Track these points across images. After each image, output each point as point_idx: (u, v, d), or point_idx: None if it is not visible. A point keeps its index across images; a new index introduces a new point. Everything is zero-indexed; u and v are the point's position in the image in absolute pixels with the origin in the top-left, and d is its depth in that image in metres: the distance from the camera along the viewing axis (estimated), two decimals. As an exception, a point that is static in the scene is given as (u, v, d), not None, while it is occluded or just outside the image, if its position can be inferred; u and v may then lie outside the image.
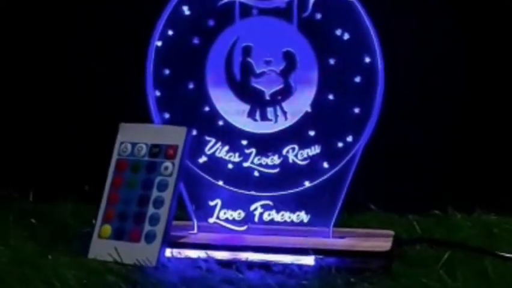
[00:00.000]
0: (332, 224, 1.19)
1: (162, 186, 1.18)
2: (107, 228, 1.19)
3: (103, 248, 1.17)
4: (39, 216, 1.38)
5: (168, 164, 1.19)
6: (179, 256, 1.16)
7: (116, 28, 1.45)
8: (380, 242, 1.17)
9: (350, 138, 1.18)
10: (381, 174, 1.44)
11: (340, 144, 1.18)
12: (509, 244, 1.21)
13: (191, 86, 1.22)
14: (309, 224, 1.20)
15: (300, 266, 1.12)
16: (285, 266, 1.12)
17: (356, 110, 1.17)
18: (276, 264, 1.12)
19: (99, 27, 1.46)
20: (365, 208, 1.41)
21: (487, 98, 1.40)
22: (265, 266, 1.13)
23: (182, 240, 1.19)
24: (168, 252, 1.17)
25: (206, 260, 1.13)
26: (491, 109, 1.40)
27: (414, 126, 1.40)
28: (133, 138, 1.22)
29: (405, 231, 1.29)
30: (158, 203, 1.17)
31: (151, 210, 1.17)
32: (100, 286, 1.04)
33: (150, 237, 1.16)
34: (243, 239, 1.19)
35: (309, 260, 1.14)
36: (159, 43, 1.22)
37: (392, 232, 1.23)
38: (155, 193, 1.18)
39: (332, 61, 1.17)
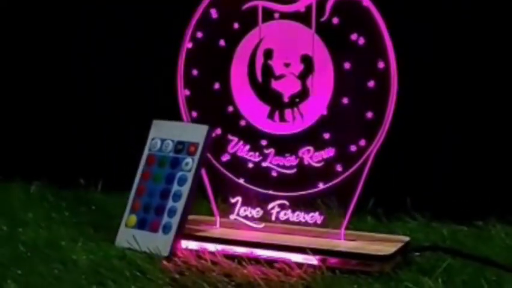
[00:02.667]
0: (344, 226, 1.24)
1: (182, 181, 1.28)
2: (133, 218, 1.30)
3: (126, 236, 1.29)
4: (94, 205, 1.51)
5: (189, 160, 1.28)
6: (194, 248, 1.24)
7: (150, 30, 1.56)
8: (387, 247, 1.21)
9: (363, 142, 1.23)
10: (429, 181, 1.47)
11: (353, 148, 1.23)
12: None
13: (217, 86, 1.30)
14: (322, 225, 1.26)
15: (300, 265, 1.17)
16: (287, 263, 1.17)
17: (369, 115, 1.22)
18: (278, 261, 1.18)
19: (137, 30, 1.58)
20: (407, 215, 1.44)
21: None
22: (268, 262, 1.19)
23: (198, 234, 1.27)
24: (184, 244, 1.26)
25: (213, 253, 1.21)
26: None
27: (429, 131, 1.42)
28: (163, 134, 1.33)
29: (431, 239, 1.31)
30: (177, 197, 1.27)
31: (170, 203, 1.28)
32: (105, 269, 1.14)
33: (167, 229, 1.26)
34: (255, 236, 1.26)
35: (312, 260, 1.19)
36: (189, 45, 1.31)
37: (406, 238, 1.26)
38: (175, 187, 1.28)
39: (347, 65, 1.22)
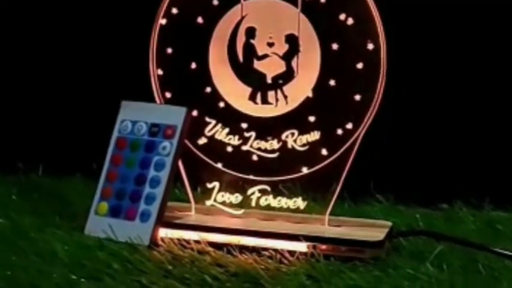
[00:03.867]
0: (328, 212, 1.23)
1: (159, 166, 1.23)
2: (104, 206, 1.25)
3: (98, 224, 1.23)
4: (44, 191, 1.44)
5: (166, 143, 1.24)
6: (172, 237, 1.20)
7: (120, 5, 1.49)
8: (374, 232, 1.20)
9: (349, 126, 1.21)
10: (392, 165, 1.48)
11: (340, 131, 1.22)
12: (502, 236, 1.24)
13: (193, 66, 1.26)
14: (305, 211, 1.24)
15: (291, 253, 1.15)
16: (276, 251, 1.15)
17: (357, 97, 1.20)
18: (267, 249, 1.16)
19: (102, 3, 1.51)
20: (372, 199, 1.44)
21: (496, 88, 1.42)
22: (256, 250, 1.16)
23: (177, 221, 1.23)
24: (162, 232, 1.21)
25: (198, 242, 1.17)
26: (499, 100, 1.42)
27: (416, 116, 1.42)
28: (134, 116, 1.27)
29: (406, 223, 1.32)
30: (155, 183, 1.23)
31: (147, 189, 1.23)
32: (91, 262, 1.09)
33: (145, 216, 1.21)
34: (237, 223, 1.23)
35: (301, 247, 1.17)
36: (163, 21, 1.26)
37: (389, 223, 1.26)
38: (152, 172, 1.23)
39: (334, 46, 1.20)
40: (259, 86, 1.25)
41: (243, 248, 1.18)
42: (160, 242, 1.20)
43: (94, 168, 1.51)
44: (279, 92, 1.25)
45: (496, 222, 1.38)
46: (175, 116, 1.25)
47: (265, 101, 1.25)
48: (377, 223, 1.27)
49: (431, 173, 1.49)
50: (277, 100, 1.25)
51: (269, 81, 1.25)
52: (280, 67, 1.24)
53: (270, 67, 1.24)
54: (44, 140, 1.62)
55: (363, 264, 1.13)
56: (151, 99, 1.30)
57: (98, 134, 1.34)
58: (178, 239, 1.21)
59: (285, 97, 1.25)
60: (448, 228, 1.33)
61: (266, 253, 1.17)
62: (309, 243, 1.18)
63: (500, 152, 1.46)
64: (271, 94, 1.25)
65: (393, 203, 1.46)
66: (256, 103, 1.26)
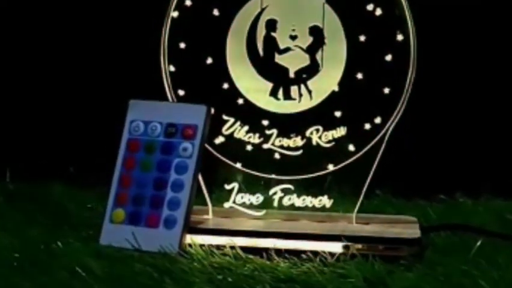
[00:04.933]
0: (356, 210, 1.20)
1: (181, 169, 1.17)
2: (120, 213, 1.18)
3: (116, 233, 1.17)
4: (31, 199, 1.35)
5: (187, 144, 1.18)
6: (197, 242, 1.14)
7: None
8: (408, 229, 1.19)
9: (378, 120, 1.19)
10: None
11: (367, 126, 1.19)
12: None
13: (209, 61, 1.20)
14: (331, 209, 1.21)
15: (331, 254, 1.11)
16: (314, 253, 1.11)
17: (386, 90, 1.18)
18: (304, 251, 1.12)
19: None
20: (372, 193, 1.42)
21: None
22: (292, 253, 1.12)
23: (201, 226, 1.17)
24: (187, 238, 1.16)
25: (232, 247, 1.12)
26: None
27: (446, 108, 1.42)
28: (145, 116, 1.21)
29: (421, 217, 1.30)
30: (177, 187, 1.16)
31: (169, 193, 1.16)
32: (128, 274, 1.02)
33: (170, 223, 1.15)
34: (263, 225, 1.19)
35: (335, 247, 1.14)
36: (175, 14, 1.20)
37: (414, 218, 1.25)
38: (173, 175, 1.17)
39: (362, 38, 1.18)
40: (281, 81, 1.21)
41: (273, 251, 1.13)
42: (188, 249, 1.14)
43: (71, 172, 1.44)
44: (302, 86, 1.21)
45: (502, 211, 1.39)
46: (194, 114, 1.19)
47: (287, 96, 1.21)
48: (403, 219, 1.26)
49: (425, 166, 1.49)
50: (300, 95, 1.21)
51: (292, 75, 1.21)
52: (304, 61, 1.20)
53: (292, 61, 1.20)
54: (13, 144, 1.52)
55: (408, 263, 1.11)
56: (161, 98, 1.23)
57: (74, 136, 1.27)
58: (205, 245, 1.14)
59: (309, 92, 1.21)
60: (462, 220, 1.33)
61: (303, 256, 1.13)
62: (346, 243, 1.15)
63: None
64: (294, 89, 1.21)
65: (391, 197, 1.45)
66: (278, 99, 1.21)
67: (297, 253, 1.13)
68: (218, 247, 1.14)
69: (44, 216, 1.28)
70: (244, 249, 1.14)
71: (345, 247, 1.15)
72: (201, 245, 1.14)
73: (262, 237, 1.17)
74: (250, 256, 1.12)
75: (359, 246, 1.15)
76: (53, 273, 1.04)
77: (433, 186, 1.47)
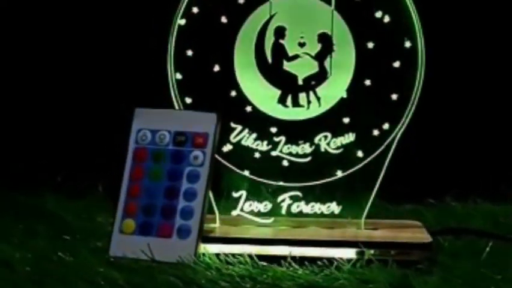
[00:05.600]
0: (364, 215, 1.21)
1: (193, 177, 1.16)
2: (130, 223, 1.17)
3: (126, 244, 1.15)
4: (25, 209, 1.33)
5: (198, 153, 1.17)
6: (211, 251, 1.14)
7: (135, 5, 1.40)
8: (417, 233, 1.21)
9: (386, 126, 1.20)
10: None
11: (376, 132, 1.20)
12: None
13: (216, 68, 1.20)
14: (340, 215, 1.22)
15: (349, 260, 1.13)
16: (329, 259, 1.12)
17: (394, 97, 1.20)
18: (320, 258, 1.13)
19: (116, 2, 1.41)
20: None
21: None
22: (306, 260, 1.13)
23: (212, 235, 1.17)
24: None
25: (250, 256, 1.12)
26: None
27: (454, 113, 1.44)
28: (153, 124, 1.20)
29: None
30: (190, 195, 1.16)
31: (182, 202, 1.15)
32: (151, 285, 1.01)
33: (184, 232, 1.15)
34: (272, 232, 1.19)
35: (348, 253, 1.15)
36: (182, 21, 1.19)
37: (419, 223, 1.27)
38: (185, 184, 1.16)
39: (370, 45, 1.19)
40: (289, 88, 1.21)
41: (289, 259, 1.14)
42: (203, 258, 1.13)
43: (58, 182, 1.42)
44: (311, 93, 1.22)
45: (493, 215, 1.42)
46: (205, 122, 1.19)
47: (296, 103, 1.22)
48: (407, 223, 1.28)
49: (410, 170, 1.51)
50: (309, 102, 1.22)
51: (300, 82, 1.21)
52: (312, 68, 1.21)
53: (301, 68, 1.21)
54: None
55: (425, 267, 1.13)
56: (167, 106, 1.22)
57: (61, 145, 1.25)
58: (220, 254, 1.14)
59: (318, 99, 1.22)
60: (459, 224, 1.35)
61: (319, 262, 1.13)
62: (361, 249, 1.16)
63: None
64: (302, 96, 1.22)
65: (385, 202, 1.47)
66: (286, 106, 1.22)
67: (311, 260, 1.14)
68: (233, 256, 1.14)
69: (45, 227, 1.26)
70: (258, 257, 1.14)
71: (360, 253, 1.16)
72: (217, 254, 1.14)
73: (275, 245, 1.17)
74: (264, 264, 1.12)
75: (371, 251, 1.16)
76: (72, 285, 1.02)
77: (423, 190, 1.49)
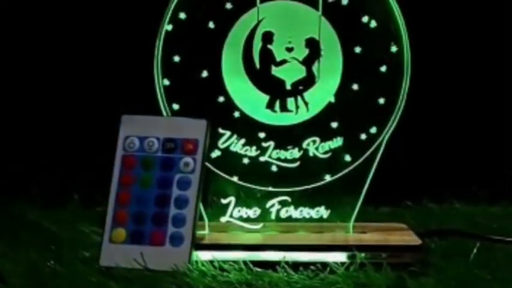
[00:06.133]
0: (353, 219, 1.23)
1: (184, 184, 1.16)
2: (121, 232, 1.16)
3: (118, 253, 1.14)
4: (5, 220, 1.31)
5: (188, 159, 1.17)
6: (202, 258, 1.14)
7: (121, 10, 1.38)
8: (406, 236, 1.22)
9: (373, 130, 1.22)
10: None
11: (363, 136, 1.22)
12: (495, 232, 1.30)
13: (204, 74, 1.20)
14: (328, 219, 1.23)
15: (343, 263, 1.13)
16: (323, 264, 1.13)
17: (381, 101, 1.21)
18: (314, 262, 1.13)
19: (101, 8, 1.39)
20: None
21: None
22: (300, 265, 1.13)
23: (205, 242, 1.17)
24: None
25: (245, 262, 1.12)
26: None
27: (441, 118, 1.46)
28: (141, 131, 1.19)
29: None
30: (181, 202, 1.16)
31: (173, 210, 1.15)
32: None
33: (176, 240, 1.14)
34: (263, 238, 1.19)
35: (338, 257, 1.16)
36: (169, 27, 1.19)
37: (404, 225, 1.28)
38: (176, 191, 1.16)
39: (357, 49, 1.20)
40: (277, 93, 1.22)
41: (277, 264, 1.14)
42: (198, 266, 1.13)
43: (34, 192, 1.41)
44: (299, 98, 1.22)
45: (470, 216, 1.45)
46: (194, 128, 1.18)
47: (284, 108, 1.22)
48: (393, 226, 1.29)
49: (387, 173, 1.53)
50: (297, 107, 1.22)
51: (288, 87, 1.22)
52: (300, 73, 1.22)
53: (289, 73, 1.21)
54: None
55: (419, 269, 1.14)
56: (154, 113, 1.21)
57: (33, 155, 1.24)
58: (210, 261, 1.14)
59: (306, 104, 1.22)
60: (439, 225, 1.37)
61: (312, 267, 1.14)
62: (353, 253, 1.17)
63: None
64: (290, 101, 1.22)
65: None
66: (274, 111, 1.22)
67: (303, 265, 1.14)
68: (225, 262, 1.14)
69: (30, 238, 1.24)
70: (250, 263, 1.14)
71: (351, 256, 1.17)
72: (211, 261, 1.13)
73: (267, 250, 1.17)
74: (258, 269, 1.13)
75: (362, 255, 1.17)
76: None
77: (400, 193, 1.51)
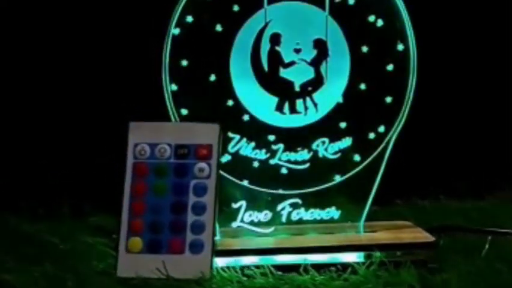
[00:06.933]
0: (364, 218, 1.23)
1: (200, 190, 1.15)
2: (137, 241, 1.14)
3: (135, 263, 1.12)
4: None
5: (203, 165, 1.16)
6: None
7: (128, 14, 1.35)
8: (417, 233, 1.24)
9: (381, 129, 1.23)
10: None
11: (372, 135, 1.22)
12: (490, 225, 1.32)
13: (212, 78, 1.19)
14: (339, 220, 1.23)
15: (356, 264, 1.14)
16: (343, 265, 1.14)
17: (388, 99, 1.22)
18: (333, 264, 1.14)
19: (105, 12, 1.36)
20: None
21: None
22: (320, 266, 1.14)
23: (221, 248, 1.16)
24: (210, 262, 1.14)
25: (263, 266, 1.12)
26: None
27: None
28: (151, 138, 1.17)
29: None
30: (199, 209, 1.14)
31: (191, 217, 1.14)
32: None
33: (196, 248, 1.13)
34: (279, 241, 1.19)
35: (353, 257, 1.17)
36: (176, 31, 1.17)
37: (410, 223, 1.30)
38: (192, 198, 1.14)
39: (364, 49, 1.21)
40: (286, 95, 1.22)
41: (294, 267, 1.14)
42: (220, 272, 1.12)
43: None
44: (308, 99, 1.22)
45: (463, 211, 1.47)
46: (207, 133, 1.17)
47: (293, 110, 1.22)
48: (400, 224, 1.31)
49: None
50: (306, 108, 1.22)
51: (297, 89, 1.22)
52: (309, 74, 1.22)
53: (297, 74, 1.21)
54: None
55: (437, 266, 1.15)
56: (162, 119, 1.20)
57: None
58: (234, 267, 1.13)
59: (315, 105, 1.23)
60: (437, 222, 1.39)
61: (332, 268, 1.14)
62: (369, 252, 1.18)
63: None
64: (299, 103, 1.22)
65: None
66: (283, 113, 1.22)
67: (320, 266, 1.14)
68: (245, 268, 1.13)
69: (34, 251, 1.20)
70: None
71: (367, 256, 1.17)
72: (232, 267, 1.13)
73: (284, 254, 1.17)
74: (280, 273, 1.12)
75: (378, 254, 1.18)
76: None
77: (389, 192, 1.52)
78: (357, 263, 1.15)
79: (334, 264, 1.15)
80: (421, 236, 1.23)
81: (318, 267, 1.15)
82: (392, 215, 1.40)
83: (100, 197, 1.48)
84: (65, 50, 1.39)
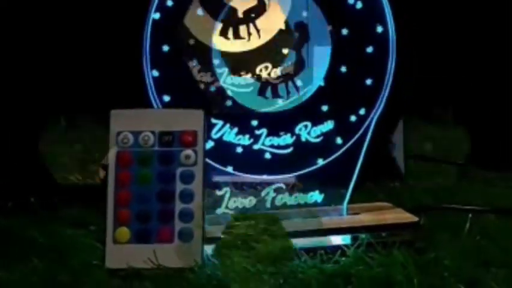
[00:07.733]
0: (347, 201, 1.24)
1: (187, 178, 1.14)
2: (124, 231, 1.12)
3: (124, 253, 1.10)
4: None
5: (189, 152, 1.14)
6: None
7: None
8: (400, 214, 1.25)
9: (362, 111, 1.23)
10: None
11: (353, 118, 1.23)
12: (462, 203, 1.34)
13: (194, 63, 1.18)
14: (323, 203, 1.24)
15: (345, 246, 1.15)
16: (332, 247, 1.14)
17: (368, 82, 1.23)
18: (318, 247, 1.14)
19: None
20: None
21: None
22: (308, 250, 1.14)
23: (212, 236, 1.15)
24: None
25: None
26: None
27: None
28: (133, 126, 1.15)
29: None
30: (187, 197, 1.13)
31: (178, 205, 1.12)
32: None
33: (185, 235, 1.11)
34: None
35: (341, 240, 1.17)
36: (156, 15, 1.16)
37: (389, 204, 1.31)
38: (180, 186, 1.13)
39: (344, 31, 1.21)
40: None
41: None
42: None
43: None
44: (290, 83, 1.22)
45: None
46: (191, 120, 1.16)
47: (276, 94, 1.22)
48: (379, 205, 1.31)
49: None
50: (288, 92, 1.22)
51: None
52: (291, 57, 1.21)
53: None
54: None
55: (425, 245, 1.17)
56: (144, 106, 1.18)
57: None
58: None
59: (297, 88, 1.22)
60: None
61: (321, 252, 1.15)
62: (355, 234, 1.18)
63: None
64: (281, 87, 1.22)
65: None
66: (266, 98, 1.22)
67: (309, 251, 1.14)
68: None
69: (18, 249, 1.17)
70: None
71: (354, 238, 1.18)
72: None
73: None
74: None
75: (363, 236, 1.18)
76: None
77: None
78: (346, 245, 1.14)
79: (322, 248, 1.15)
80: (404, 216, 1.24)
81: (306, 251, 1.14)
82: (368, 197, 1.41)
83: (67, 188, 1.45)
84: (43, 35, 1.35)
